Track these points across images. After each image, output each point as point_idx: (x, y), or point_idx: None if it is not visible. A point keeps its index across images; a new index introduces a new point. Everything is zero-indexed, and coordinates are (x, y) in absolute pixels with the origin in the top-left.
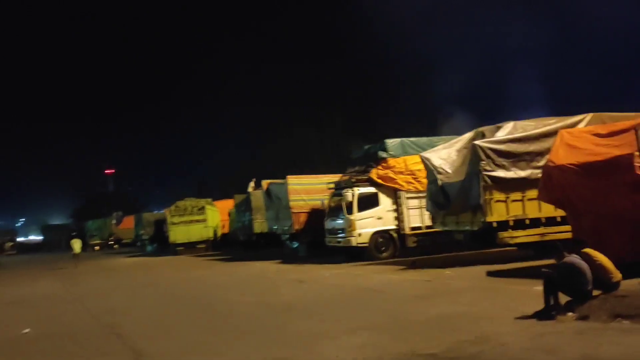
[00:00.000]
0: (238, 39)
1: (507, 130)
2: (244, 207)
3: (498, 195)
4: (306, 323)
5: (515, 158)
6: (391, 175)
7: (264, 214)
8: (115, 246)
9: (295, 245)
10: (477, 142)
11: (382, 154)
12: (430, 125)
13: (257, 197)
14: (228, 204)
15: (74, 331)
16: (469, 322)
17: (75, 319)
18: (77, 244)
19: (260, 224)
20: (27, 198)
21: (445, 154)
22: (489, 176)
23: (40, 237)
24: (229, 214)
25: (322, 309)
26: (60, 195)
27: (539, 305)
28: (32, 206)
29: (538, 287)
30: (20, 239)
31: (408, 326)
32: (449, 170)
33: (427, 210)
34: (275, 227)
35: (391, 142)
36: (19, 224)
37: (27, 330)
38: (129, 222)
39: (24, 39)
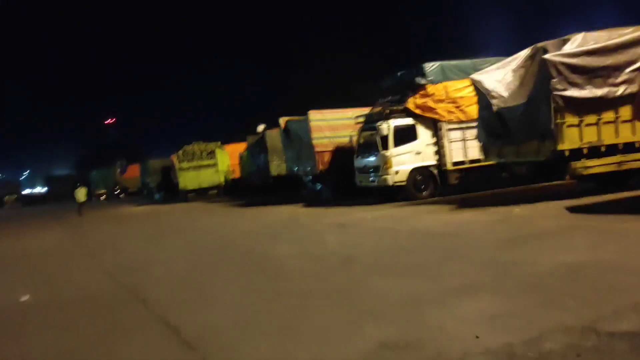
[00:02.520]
0: None
1: (575, 43)
2: (259, 149)
3: (571, 119)
4: (385, 281)
5: (590, 74)
6: (430, 104)
7: (281, 155)
8: (121, 195)
9: (319, 187)
10: (547, 56)
11: (420, 80)
12: (468, 49)
13: (273, 137)
14: (238, 148)
15: (85, 297)
16: (608, 276)
17: (86, 280)
18: (80, 193)
19: (277, 166)
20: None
21: (500, 75)
22: (561, 96)
23: (44, 189)
24: (240, 158)
25: (392, 261)
26: (64, 147)
27: None
28: (35, 158)
29: None
30: (24, 192)
31: (531, 284)
32: (506, 94)
33: (480, 141)
34: (296, 168)
35: (429, 67)
36: (23, 177)
37: (25, 298)
38: (134, 170)
39: None
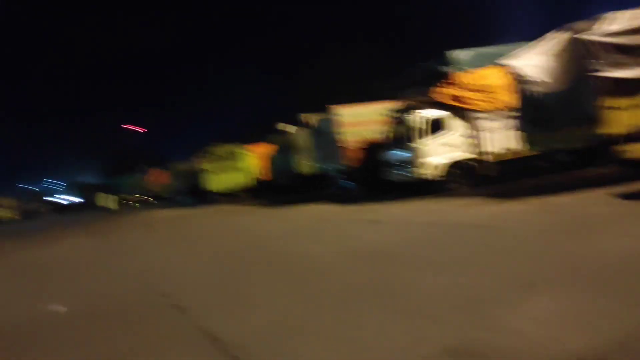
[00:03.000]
0: None
1: (612, 22)
2: (285, 148)
3: (612, 102)
4: (437, 279)
5: (631, 53)
6: (459, 93)
7: (309, 154)
8: (150, 200)
9: (348, 184)
10: (584, 36)
11: (444, 69)
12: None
13: (299, 135)
14: (263, 148)
15: (119, 306)
16: None
17: (119, 288)
18: (110, 199)
19: (305, 165)
20: (61, 160)
21: (535, 59)
22: (602, 77)
23: (76, 198)
24: (266, 158)
25: (438, 256)
26: (92, 157)
27: None
28: (66, 169)
29: None
30: (55, 199)
31: (603, 277)
32: (545, 78)
33: (520, 130)
34: (325, 166)
35: (455, 55)
36: (54, 186)
37: (57, 307)
38: (160, 175)
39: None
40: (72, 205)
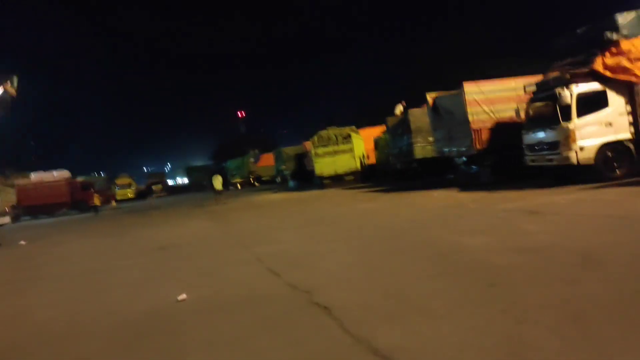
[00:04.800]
0: None
1: None
2: (401, 130)
3: None
4: None
5: None
6: (625, 63)
7: (426, 136)
8: (256, 184)
9: (475, 169)
10: None
11: (611, 36)
12: None
13: (417, 116)
14: (373, 132)
15: (251, 298)
16: None
17: (246, 276)
18: (217, 181)
19: (422, 148)
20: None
21: None
22: None
23: (185, 179)
24: (375, 142)
25: None
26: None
27: None
28: (176, 152)
29: None
30: (169, 182)
31: None
32: None
33: None
34: (447, 149)
35: (624, 17)
36: (166, 169)
37: (183, 297)
38: (267, 159)
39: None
40: (183, 186)
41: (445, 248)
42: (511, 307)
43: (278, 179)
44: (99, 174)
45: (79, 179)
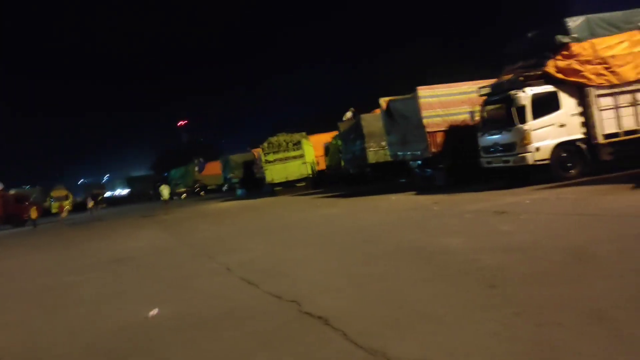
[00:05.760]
0: None
1: None
2: (354, 136)
3: None
4: None
5: None
6: (576, 66)
7: (379, 141)
8: (202, 193)
9: (430, 172)
10: None
11: (562, 39)
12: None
13: (369, 121)
14: (322, 138)
15: (231, 312)
16: None
17: (220, 288)
18: (165, 190)
19: (375, 153)
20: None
21: None
22: None
23: (125, 190)
24: (325, 148)
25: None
26: (140, 150)
27: None
28: (115, 162)
29: None
30: (107, 194)
31: None
32: None
33: None
34: (401, 153)
35: (573, 22)
36: (104, 180)
37: (154, 313)
38: (212, 167)
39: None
40: (123, 198)
41: (427, 250)
42: (523, 309)
43: (225, 188)
44: (33, 186)
45: (12, 191)
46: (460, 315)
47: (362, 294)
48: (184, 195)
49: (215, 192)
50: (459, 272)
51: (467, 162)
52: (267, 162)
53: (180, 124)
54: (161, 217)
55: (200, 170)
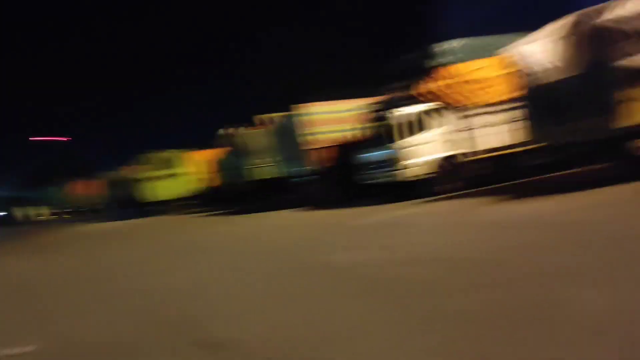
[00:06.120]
0: None
1: (624, 6)
2: (238, 152)
3: (631, 92)
4: (588, 294)
5: None
6: (447, 87)
7: (265, 157)
8: (72, 214)
9: (314, 188)
10: (599, 22)
11: (430, 62)
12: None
13: (253, 137)
14: (209, 154)
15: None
16: None
17: (125, 317)
18: (21, 212)
19: (260, 170)
20: None
21: (541, 47)
22: (620, 66)
23: None
24: (211, 164)
25: (542, 263)
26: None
27: None
28: None
29: None
30: None
31: None
32: (553, 66)
33: (529, 120)
34: (286, 169)
35: (445, 46)
36: None
37: (29, 349)
38: (86, 186)
39: None
40: None
41: (332, 266)
42: (468, 321)
43: (100, 208)
44: None
45: None
46: (407, 334)
47: (283, 318)
48: (54, 216)
49: (88, 213)
50: (378, 288)
51: (350, 178)
52: (147, 179)
53: (37, 140)
54: (38, 240)
55: (73, 189)
